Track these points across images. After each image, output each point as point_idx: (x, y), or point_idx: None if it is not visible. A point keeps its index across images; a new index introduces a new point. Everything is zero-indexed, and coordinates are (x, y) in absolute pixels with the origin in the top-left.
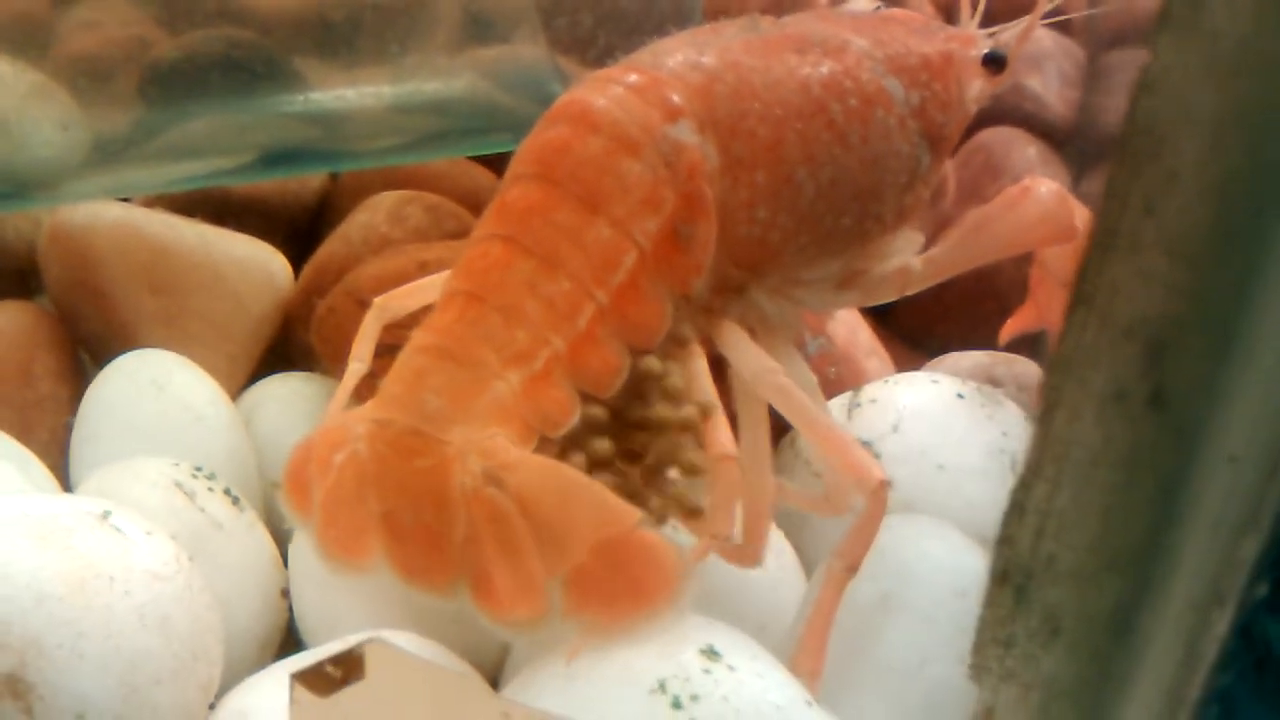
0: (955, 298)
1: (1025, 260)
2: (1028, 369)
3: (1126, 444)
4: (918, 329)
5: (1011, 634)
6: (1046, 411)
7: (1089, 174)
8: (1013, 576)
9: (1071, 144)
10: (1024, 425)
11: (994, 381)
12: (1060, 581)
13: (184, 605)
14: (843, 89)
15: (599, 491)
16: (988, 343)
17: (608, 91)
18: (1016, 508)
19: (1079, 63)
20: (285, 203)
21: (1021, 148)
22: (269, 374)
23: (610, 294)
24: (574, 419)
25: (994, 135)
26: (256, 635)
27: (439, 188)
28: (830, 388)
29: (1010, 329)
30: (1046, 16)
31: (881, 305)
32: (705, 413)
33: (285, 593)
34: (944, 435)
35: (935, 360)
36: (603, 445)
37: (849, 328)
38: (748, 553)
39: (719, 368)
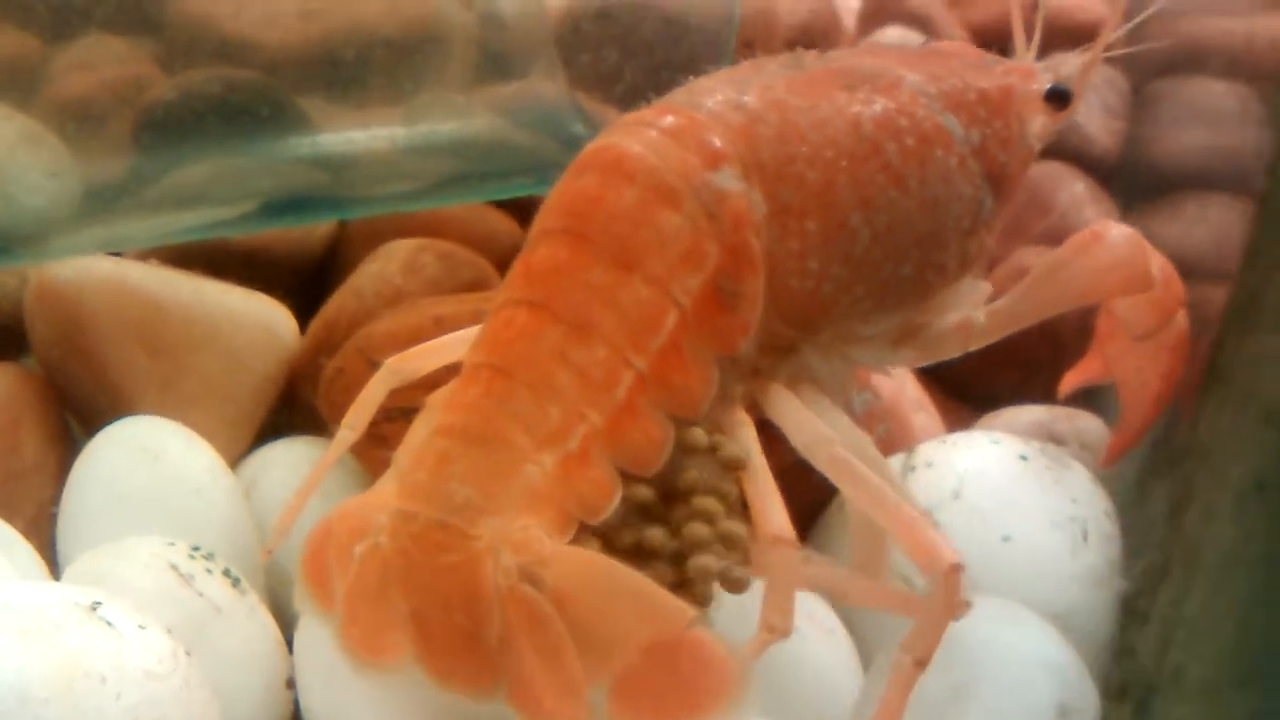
0: (1007, 347)
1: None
2: (1091, 425)
3: (1267, 542)
4: (965, 381)
5: None
6: (1177, 506)
7: (1137, 209)
8: (1133, 691)
9: (1119, 178)
10: (1093, 489)
11: (1055, 439)
12: (1188, 698)
13: (181, 706)
14: (897, 127)
15: (647, 587)
16: (1041, 396)
17: (642, 136)
18: (1138, 615)
19: (1123, 93)
20: (290, 253)
21: (1068, 183)
22: (273, 439)
23: (650, 360)
24: (615, 502)
25: (1039, 170)
26: None
27: (453, 234)
28: (879, 448)
29: (1071, 382)
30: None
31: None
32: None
33: (290, 683)
34: (1009, 502)
35: (990, 416)
36: (654, 534)
37: (896, 381)
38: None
39: (766, 432)
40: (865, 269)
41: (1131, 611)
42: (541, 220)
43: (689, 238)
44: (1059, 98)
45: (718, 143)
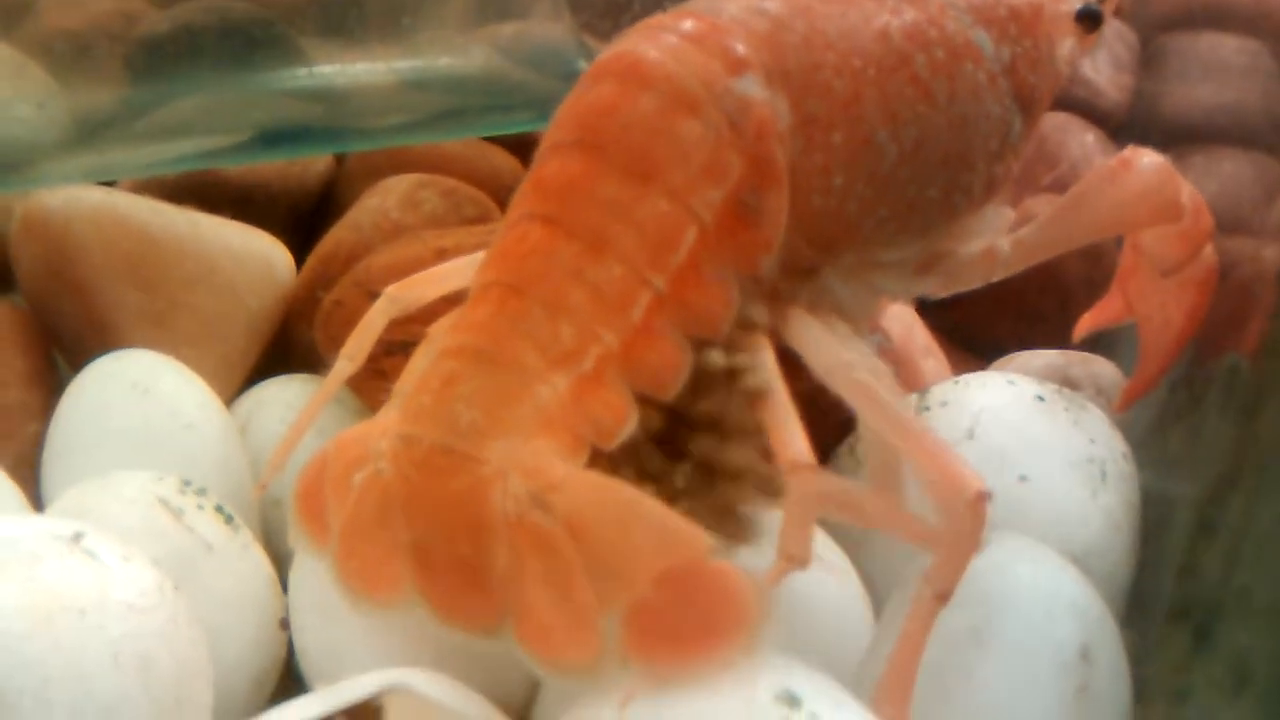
0: (1012, 293)
1: (1092, 252)
2: (1106, 370)
3: None
4: (969, 330)
5: (1187, 684)
6: (1250, 406)
7: None
8: (1193, 613)
9: (1127, 131)
10: (1111, 431)
11: (1070, 383)
12: (1254, 620)
13: (167, 642)
14: (927, 39)
15: (663, 513)
16: (1047, 344)
17: (660, 41)
18: (1204, 528)
19: (1131, 46)
20: (287, 188)
21: (1078, 134)
22: (267, 377)
23: (668, 278)
24: (630, 426)
25: (1048, 121)
26: (251, 671)
27: (454, 172)
28: None
29: (1089, 323)
30: None
31: (929, 301)
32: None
33: (284, 623)
34: (1025, 442)
35: (1002, 361)
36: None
37: (904, 325)
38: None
39: (785, 360)
40: (891, 188)
41: (1197, 523)
42: (554, 131)
43: (710, 148)
44: (1089, 19)
45: (740, 48)
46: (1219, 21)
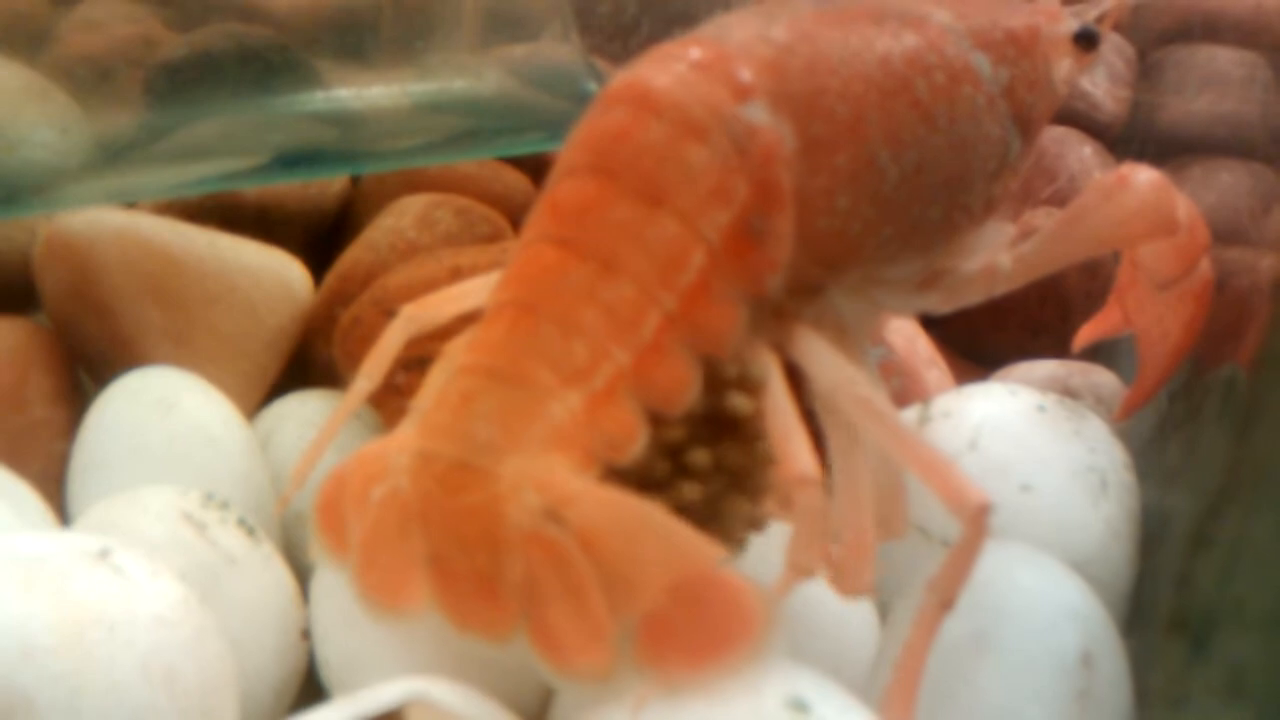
0: (1013, 304)
1: (1090, 265)
2: (1106, 380)
3: None
4: (970, 339)
5: (1185, 693)
6: (1245, 422)
7: None
8: (1191, 624)
9: (1125, 144)
10: (1112, 440)
11: (1070, 393)
12: (1250, 629)
13: (193, 655)
14: (927, 63)
15: (674, 526)
16: (1048, 354)
17: (669, 69)
18: (1201, 540)
19: (1129, 60)
20: (304, 209)
21: (1076, 147)
22: (287, 393)
23: (678, 298)
24: (641, 442)
25: (1047, 134)
26: (273, 681)
27: (468, 192)
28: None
29: (1088, 335)
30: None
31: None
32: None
33: (306, 633)
34: (1027, 452)
35: (1003, 371)
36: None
37: (907, 337)
38: (854, 580)
39: (793, 378)
40: (893, 209)
41: (1194, 536)
42: (566, 156)
43: (717, 172)
44: (1086, 39)
45: (746, 75)
46: (1215, 34)
